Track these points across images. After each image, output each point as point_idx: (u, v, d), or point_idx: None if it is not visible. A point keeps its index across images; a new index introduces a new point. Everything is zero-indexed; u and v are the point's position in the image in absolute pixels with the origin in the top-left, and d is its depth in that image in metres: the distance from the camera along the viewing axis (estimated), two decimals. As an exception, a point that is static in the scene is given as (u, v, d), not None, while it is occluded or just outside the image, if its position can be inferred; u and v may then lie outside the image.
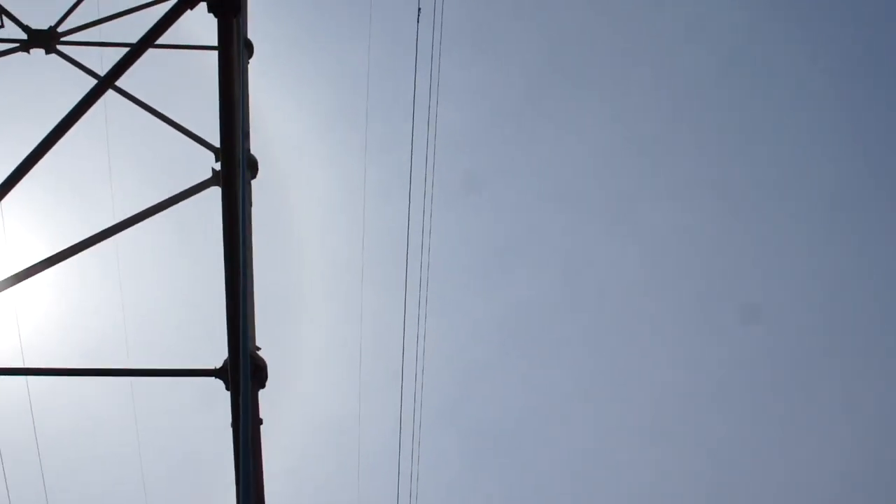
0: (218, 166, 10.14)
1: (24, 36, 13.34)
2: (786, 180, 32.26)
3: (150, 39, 6.86)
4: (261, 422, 7.99)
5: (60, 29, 13.43)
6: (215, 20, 6.63)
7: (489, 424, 33.79)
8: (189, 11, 6.88)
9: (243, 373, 3.77)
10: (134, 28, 13.69)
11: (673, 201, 33.62)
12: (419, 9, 17.50)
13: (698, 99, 33.04)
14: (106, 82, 6.93)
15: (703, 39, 32.86)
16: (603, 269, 33.82)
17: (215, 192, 10.04)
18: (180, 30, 12.76)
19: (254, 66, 12.58)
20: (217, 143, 11.08)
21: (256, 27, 13.45)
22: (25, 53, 13.36)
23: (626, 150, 33.43)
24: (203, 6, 6.49)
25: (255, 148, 11.23)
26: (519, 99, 33.12)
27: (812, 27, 32.53)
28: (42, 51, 13.31)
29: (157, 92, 13.07)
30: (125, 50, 8.83)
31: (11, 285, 7.72)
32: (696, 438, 33.86)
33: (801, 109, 32.60)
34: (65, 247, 8.17)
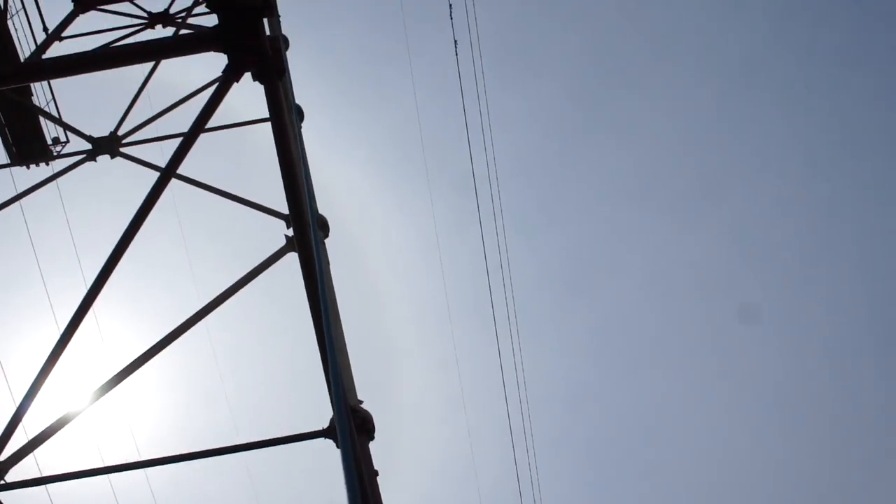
0: (290, 232, 10.28)
1: (88, 146, 13.83)
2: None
3: (202, 122, 7.03)
4: (376, 473, 7.97)
5: (120, 132, 13.89)
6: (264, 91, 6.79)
7: (602, 441, 33.29)
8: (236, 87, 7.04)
9: (340, 427, 3.78)
10: (193, 114, 14.06)
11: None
12: (455, 40, 17.58)
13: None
14: (168, 172, 7.11)
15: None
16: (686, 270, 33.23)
17: (293, 257, 10.18)
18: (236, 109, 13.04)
19: (308, 130, 12.81)
20: (286, 210, 11.24)
21: (304, 93, 13.69)
22: (93, 162, 13.84)
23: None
24: (248, 77, 6.63)
25: (324, 208, 11.38)
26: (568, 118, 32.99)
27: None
28: (107, 156, 13.77)
29: (223, 170, 13.39)
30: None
31: (118, 383, 7.92)
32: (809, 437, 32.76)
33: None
34: (158, 338, 8.36)
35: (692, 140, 33.08)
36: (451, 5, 18.34)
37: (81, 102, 16.24)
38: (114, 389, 7.94)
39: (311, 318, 7.48)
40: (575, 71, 32.80)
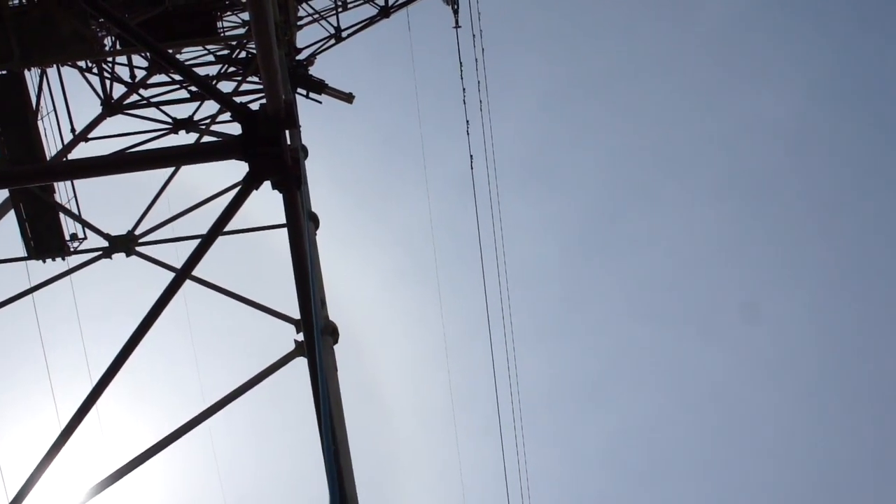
0: (300, 337, 10.37)
1: (105, 243, 14.09)
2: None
3: (219, 227, 7.20)
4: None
5: (137, 232, 14.17)
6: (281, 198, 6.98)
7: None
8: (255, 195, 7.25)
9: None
10: (208, 216, 14.34)
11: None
12: (471, 155, 18.00)
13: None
14: (183, 274, 7.26)
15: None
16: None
17: (301, 362, 10.24)
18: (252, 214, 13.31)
19: (321, 237, 13.03)
20: (296, 315, 11.35)
21: (320, 201, 13.99)
22: (108, 259, 14.08)
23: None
24: (266, 184, 6.83)
25: (335, 314, 11.48)
26: (580, 226, 33.41)
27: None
28: (123, 254, 14.02)
29: (235, 273, 13.57)
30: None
31: (116, 480, 7.89)
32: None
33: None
34: (161, 437, 8.37)
35: (707, 255, 33.32)
36: (468, 122, 18.85)
37: (101, 200, 16.61)
38: (113, 486, 7.91)
39: (316, 422, 7.50)
40: (590, 184, 33.40)
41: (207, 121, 16.77)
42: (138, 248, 13.88)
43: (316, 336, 5.81)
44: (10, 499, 7.45)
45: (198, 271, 11.96)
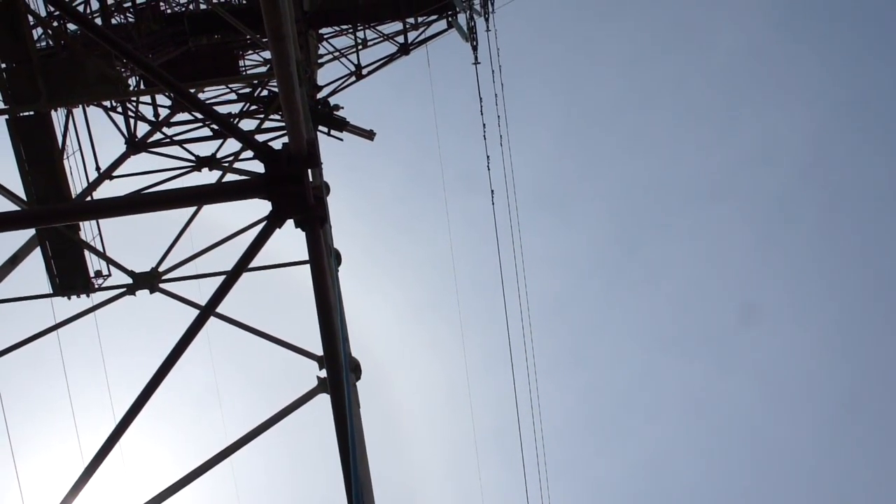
0: (323, 373, 10.38)
1: (129, 280, 14.21)
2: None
3: (243, 265, 7.26)
4: None
5: (161, 268, 14.28)
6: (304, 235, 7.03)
7: None
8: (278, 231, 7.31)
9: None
10: (231, 253, 14.45)
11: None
12: (492, 190, 18.06)
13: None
14: (207, 311, 7.31)
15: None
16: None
17: (324, 399, 10.25)
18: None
19: (343, 273, 13.08)
20: (319, 352, 11.38)
21: (342, 237, 14.07)
22: (132, 296, 14.19)
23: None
24: (290, 223, 6.89)
25: (356, 349, 11.50)
26: (600, 256, 33.34)
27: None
28: (147, 291, 14.13)
29: (258, 309, 13.64)
30: (223, 277, 9.31)
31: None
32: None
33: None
34: (185, 472, 8.38)
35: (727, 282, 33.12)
36: (488, 157, 18.93)
37: (125, 237, 16.78)
38: (137, 525, 7.92)
39: (340, 460, 7.49)
40: (610, 216, 33.38)
41: (230, 158, 16.94)
42: (162, 285, 13.98)
43: (345, 374, 5.82)
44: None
45: (221, 307, 12.05)
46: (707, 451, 32.92)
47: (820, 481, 32.42)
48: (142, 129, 17.82)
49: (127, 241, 16.77)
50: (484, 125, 18.43)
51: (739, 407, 33.18)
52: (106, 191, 16.33)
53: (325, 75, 19.77)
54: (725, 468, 33.03)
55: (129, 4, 17.69)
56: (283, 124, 16.72)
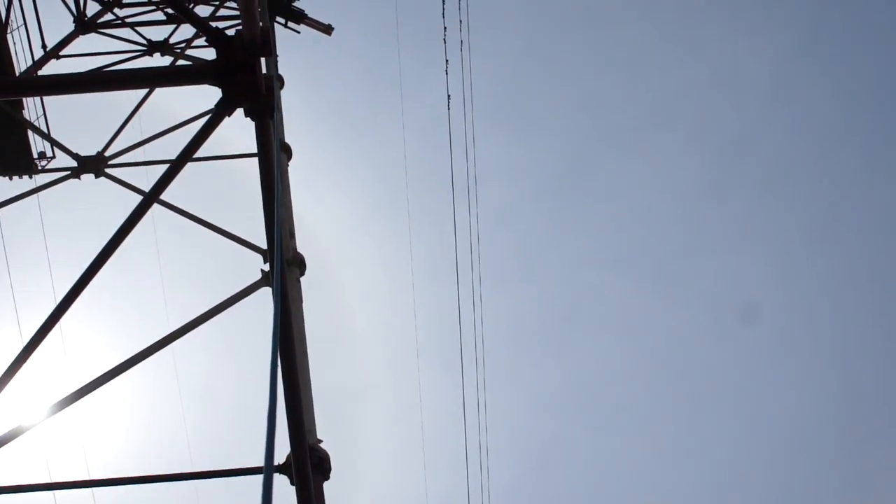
0: (267, 267, 10.38)
1: (73, 164, 13.92)
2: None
3: (190, 152, 7.16)
4: (327, 514, 7.99)
5: (107, 153, 14.00)
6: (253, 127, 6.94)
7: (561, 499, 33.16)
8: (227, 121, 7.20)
9: (297, 465, 3.85)
10: (181, 142, 14.18)
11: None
12: (448, 95, 17.91)
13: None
14: (151, 198, 7.22)
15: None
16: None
17: (267, 292, 10.27)
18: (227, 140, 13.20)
19: (295, 169, 12.97)
20: (264, 246, 11.35)
21: (295, 134, 13.90)
22: (77, 179, 13.93)
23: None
24: (239, 113, 6.79)
25: (304, 247, 11.49)
26: (554, 171, 33.51)
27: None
28: (92, 175, 13.86)
29: (206, 201, 13.49)
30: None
31: (75, 400, 7.92)
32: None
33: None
34: (124, 358, 8.40)
35: (681, 205, 33.54)
36: (447, 60, 18.69)
37: (71, 120, 16.38)
38: (71, 406, 7.95)
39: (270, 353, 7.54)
40: (569, 128, 33.35)
41: (183, 45, 16.50)
42: (107, 170, 13.73)
43: (277, 266, 5.82)
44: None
45: (169, 197, 11.91)
46: (642, 371, 33.79)
47: (769, 409, 33.53)
48: (92, 8, 17.21)
49: (72, 124, 16.39)
50: (445, 27, 18.14)
51: (682, 330, 33.97)
52: (52, 71, 15.84)
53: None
54: (660, 386, 34.01)
55: None
56: (238, 12, 16.27)
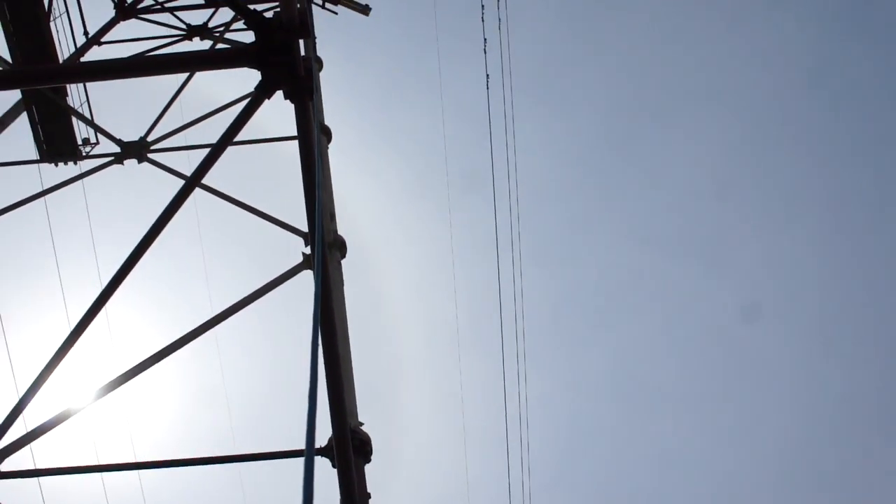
0: (308, 250, 10.39)
1: (117, 149, 14.04)
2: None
3: (230, 136, 7.16)
4: (368, 496, 8.00)
5: (150, 138, 14.09)
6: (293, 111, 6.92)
7: (602, 485, 33.06)
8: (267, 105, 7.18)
9: (339, 448, 3.84)
10: (222, 126, 14.21)
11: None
12: (487, 75, 17.79)
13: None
14: (193, 182, 7.24)
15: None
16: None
17: (308, 275, 10.28)
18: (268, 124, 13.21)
19: (335, 152, 12.96)
20: (305, 229, 11.36)
21: (334, 116, 13.86)
22: (120, 165, 14.04)
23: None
24: (279, 95, 6.77)
25: (344, 229, 11.49)
26: (595, 147, 33.22)
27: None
28: (135, 161, 13.97)
29: (247, 185, 13.53)
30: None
31: (121, 384, 8.01)
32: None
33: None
34: (168, 342, 8.46)
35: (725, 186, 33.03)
36: (485, 40, 18.54)
37: (113, 106, 16.52)
38: (118, 390, 8.03)
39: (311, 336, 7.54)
40: (612, 107, 32.97)
41: (221, 28, 16.55)
42: (150, 155, 13.82)
43: (324, 248, 5.80)
44: (19, 398, 7.57)
45: (211, 181, 11.96)
46: (684, 351, 33.45)
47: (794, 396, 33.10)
48: (132, -7, 17.30)
49: (115, 110, 16.52)
50: (483, 6, 17.99)
51: (725, 309, 33.56)
52: (93, 57, 15.98)
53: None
54: (702, 369, 33.68)
55: None
56: (277, -4, 16.25)
